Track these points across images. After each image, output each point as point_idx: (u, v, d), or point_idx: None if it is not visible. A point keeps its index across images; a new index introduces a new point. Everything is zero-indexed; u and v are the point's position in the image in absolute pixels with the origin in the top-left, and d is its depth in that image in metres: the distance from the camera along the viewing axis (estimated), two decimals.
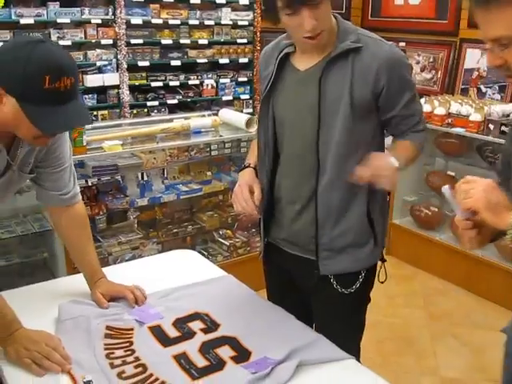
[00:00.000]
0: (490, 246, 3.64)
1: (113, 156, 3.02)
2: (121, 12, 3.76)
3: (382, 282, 1.86)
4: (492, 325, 3.30)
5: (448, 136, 3.80)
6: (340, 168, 1.63)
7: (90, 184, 3.14)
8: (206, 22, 4.20)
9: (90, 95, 3.84)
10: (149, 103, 4.12)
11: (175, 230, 3.40)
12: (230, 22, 4.30)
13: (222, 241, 3.50)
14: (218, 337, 1.59)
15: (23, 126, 1.37)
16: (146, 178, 3.32)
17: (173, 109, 4.28)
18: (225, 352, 1.52)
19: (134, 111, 4.05)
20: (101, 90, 3.89)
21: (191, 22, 4.12)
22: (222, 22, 4.27)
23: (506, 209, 1.17)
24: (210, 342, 1.57)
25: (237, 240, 3.52)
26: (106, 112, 3.91)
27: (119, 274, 1.92)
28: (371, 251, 1.76)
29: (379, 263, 1.85)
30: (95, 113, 3.85)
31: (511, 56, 1.08)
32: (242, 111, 4.41)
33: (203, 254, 3.44)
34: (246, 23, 4.39)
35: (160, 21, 3.97)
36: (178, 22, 4.06)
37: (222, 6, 4.24)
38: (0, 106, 1.35)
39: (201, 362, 1.48)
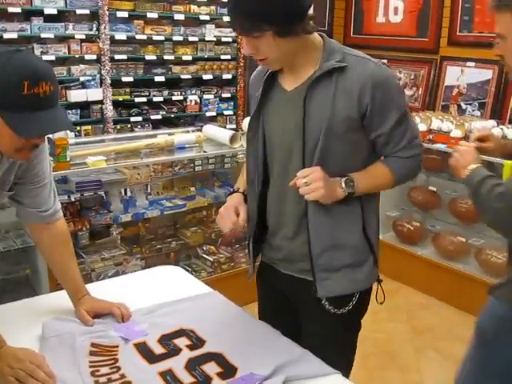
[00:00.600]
0: (472, 260, 3.70)
1: (96, 172, 3.01)
2: (105, 28, 3.77)
3: (381, 303, 1.83)
4: None
5: (429, 152, 3.85)
6: None
7: (73, 200, 3.13)
8: (190, 39, 4.22)
9: (74, 110, 3.84)
10: (132, 119, 4.12)
11: (159, 246, 3.40)
12: (214, 39, 4.34)
13: (206, 256, 3.50)
14: (204, 353, 1.58)
15: (4, 137, 1.37)
16: (129, 194, 3.31)
17: (156, 124, 4.28)
18: (211, 368, 1.51)
19: (118, 126, 4.05)
20: (84, 106, 3.89)
21: (175, 38, 4.14)
22: (206, 38, 4.30)
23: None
24: (196, 358, 1.56)
25: (221, 256, 3.52)
26: (89, 127, 3.91)
27: (102, 291, 1.90)
28: (370, 271, 1.71)
29: (375, 283, 1.78)
30: (78, 128, 3.84)
31: (502, 50, 1.51)
32: (225, 127, 4.42)
33: (187, 270, 3.41)
34: (230, 40, 4.43)
35: (144, 37, 3.99)
36: (162, 38, 4.08)
37: (206, 22, 4.27)
38: None
39: (187, 378, 1.47)
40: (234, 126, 4.54)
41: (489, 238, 3.59)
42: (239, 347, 1.61)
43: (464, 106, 4.41)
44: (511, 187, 1.49)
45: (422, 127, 3.77)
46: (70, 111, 3.81)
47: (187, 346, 1.62)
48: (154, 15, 3.97)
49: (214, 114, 4.52)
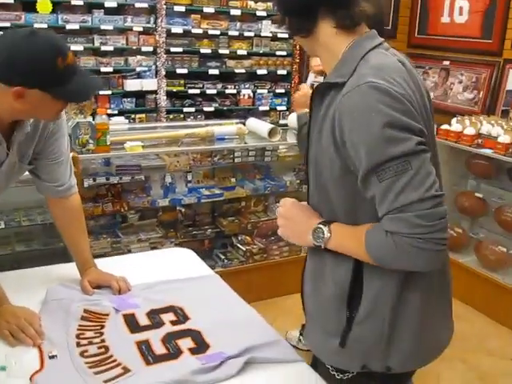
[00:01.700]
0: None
1: (138, 157, 3.18)
2: (162, 21, 3.93)
3: None
4: (506, 353, 3.23)
5: (477, 157, 3.75)
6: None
7: (115, 182, 3.31)
8: (246, 34, 4.32)
9: (129, 99, 4.04)
10: (185, 109, 4.27)
11: (194, 232, 3.52)
12: (270, 35, 4.40)
13: (240, 246, 3.59)
14: (184, 329, 1.67)
15: (49, 108, 1.55)
16: (170, 180, 3.45)
17: (209, 116, 4.41)
18: (185, 343, 1.60)
19: (171, 116, 4.21)
20: (139, 95, 4.08)
21: (231, 32, 4.25)
22: (262, 33, 4.38)
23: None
24: (175, 333, 1.65)
25: (254, 246, 3.59)
26: (143, 115, 4.10)
27: (114, 265, 2.04)
28: (335, 351, 1.34)
29: None
30: (133, 116, 4.04)
31: None
32: (277, 122, 4.50)
33: (220, 257, 3.56)
34: (286, 36, 4.48)
35: (200, 31, 4.13)
36: (217, 32, 4.20)
37: (262, 18, 4.35)
38: (23, 101, 1.48)
39: (160, 349, 1.56)
40: (286, 122, 4.58)
41: None
42: (219, 327, 1.69)
43: None
44: None
45: (471, 131, 3.67)
46: (125, 99, 4.01)
47: (171, 322, 1.72)
48: (211, 10, 4.10)
49: (266, 108, 4.60)
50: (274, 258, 3.65)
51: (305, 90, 2.32)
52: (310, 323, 1.46)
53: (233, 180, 3.62)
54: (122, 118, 3.79)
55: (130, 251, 3.27)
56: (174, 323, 1.71)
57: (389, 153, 1.12)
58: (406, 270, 1.22)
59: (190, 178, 3.51)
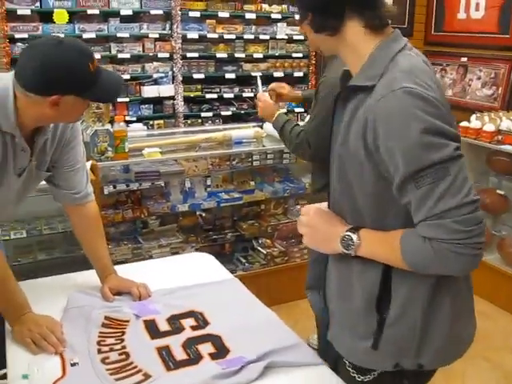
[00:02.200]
0: None
1: (157, 163, 3.20)
2: (177, 27, 3.96)
3: None
4: None
5: (498, 154, 3.69)
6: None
7: (134, 188, 3.34)
8: (261, 37, 4.32)
9: (147, 105, 4.07)
10: (203, 114, 4.29)
11: (215, 237, 3.52)
12: (285, 37, 4.41)
13: (260, 249, 3.59)
14: (204, 334, 1.68)
15: (79, 111, 1.63)
16: (189, 185, 3.47)
17: (227, 120, 4.42)
18: (205, 348, 1.61)
19: (189, 121, 4.23)
20: (157, 101, 4.11)
21: (246, 36, 4.26)
22: (278, 36, 4.38)
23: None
24: (195, 338, 1.66)
25: (275, 249, 3.59)
26: (161, 121, 4.12)
27: (134, 271, 2.05)
28: (367, 352, 1.34)
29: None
30: (151, 122, 4.07)
31: None
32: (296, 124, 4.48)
33: (241, 261, 3.56)
34: (302, 37, 4.47)
35: (216, 35, 4.14)
36: (233, 36, 4.21)
37: (277, 21, 4.35)
38: (57, 108, 1.54)
39: (180, 355, 1.57)
40: (304, 123, 4.58)
41: None
42: (239, 332, 1.69)
43: None
44: (306, 129, 2.29)
45: (490, 127, 3.62)
46: (143, 106, 4.04)
47: (191, 327, 1.72)
48: (226, 14, 4.12)
49: (284, 111, 4.58)
50: (295, 261, 3.64)
51: (265, 98, 2.62)
52: (336, 326, 1.45)
53: (252, 183, 3.61)
54: (140, 125, 3.82)
55: (151, 257, 3.28)
56: (194, 328, 1.72)
57: (427, 159, 1.12)
58: (441, 275, 1.23)
59: (208, 182, 3.51)
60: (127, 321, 1.75)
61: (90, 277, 2.02)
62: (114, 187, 3.04)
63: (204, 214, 3.58)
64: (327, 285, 1.47)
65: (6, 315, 1.69)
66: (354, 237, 1.27)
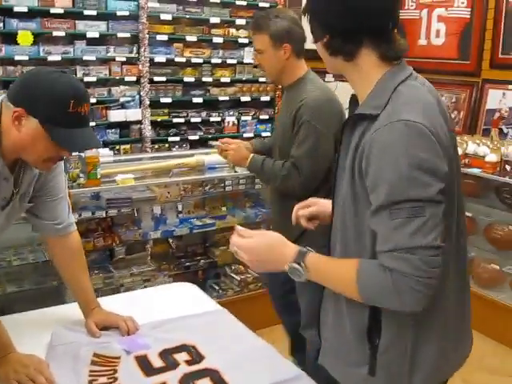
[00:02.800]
0: (507, 289, 3.59)
1: (128, 189, 3.11)
2: (145, 50, 3.89)
3: None
4: (508, 370, 3.22)
5: (465, 177, 3.77)
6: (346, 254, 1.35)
7: (104, 216, 3.23)
8: (229, 61, 4.30)
9: (113, 130, 3.97)
10: (170, 138, 4.21)
11: (187, 264, 3.45)
12: (252, 61, 4.40)
13: (234, 276, 3.53)
14: (201, 369, 1.62)
15: (39, 147, 1.49)
16: (160, 212, 3.39)
17: (194, 145, 4.36)
18: None
19: (156, 146, 4.15)
20: (124, 125, 4.01)
21: (214, 60, 4.23)
22: (245, 60, 4.37)
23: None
24: (192, 373, 1.59)
25: (248, 275, 3.54)
26: (128, 146, 4.02)
27: (116, 304, 1.97)
28: (365, 379, 1.35)
29: None
30: (117, 147, 3.97)
31: None
32: None
33: (214, 288, 3.49)
34: None
35: (183, 59, 4.10)
36: (200, 60, 4.17)
37: (244, 45, 4.35)
38: (18, 127, 1.46)
39: None
40: None
41: None
42: (236, 364, 1.64)
43: (506, 130, 4.30)
44: (296, 155, 2.28)
45: (458, 151, 3.69)
46: (109, 130, 3.94)
47: (186, 362, 1.66)
48: (193, 38, 4.08)
49: (251, 135, 4.57)
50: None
51: (235, 141, 2.72)
52: (331, 352, 1.46)
53: (223, 209, 3.57)
54: (106, 150, 3.71)
55: (122, 285, 3.19)
56: (189, 363, 1.65)
57: (408, 194, 1.15)
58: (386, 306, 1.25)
59: (180, 208, 3.44)
60: (118, 357, 1.67)
61: (71, 310, 1.93)
62: (93, 213, 2.93)
63: (175, 241, 3.50)
64: (322, 318, 1.49)
65: None
66: (300, 268, 1.31)
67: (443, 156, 1.19)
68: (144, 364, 1.64)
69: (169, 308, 2.01)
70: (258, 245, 1.38)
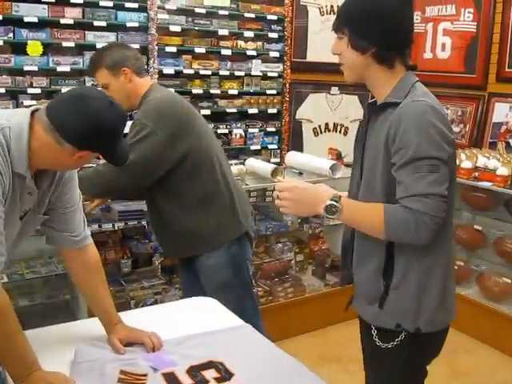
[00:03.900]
0: None
1: (139, 201, 3.08)
2: (154, 62, 3.88)
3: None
4: None
5: (475, 190, 3.77)
6: None
7: (116, 228, 3.20)
8: (237, 73, 4.29)
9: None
10: None
11: None
12: (260, 74, 4.39)
13: None
14: None
15: (89, 162, 1.68)
16: None
17: None
18: None
19: None
20: None
21: (222, 72, 4.21)
22: (252, 73, 4.35)
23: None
24: None
25: (259, 289, 3.50)
26: None
27: (137, 319, 1.93)
28: (377, 312, 1.73)
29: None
30: None
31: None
32: (269, 161, 4.45)
33: None
34: (276, 75, 4.48)
35: (191, 71, 4.08)
36: (209, 72, 4.16)
37: (252, 57, 4.34)
38: (79, 160, 1.55)
39: None
40: (277, 160, 4.55)
41: None
42: (266, 381, 1.61)
43: None
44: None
45: (468, 164, 3.70)
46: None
47: (215, 379, 1.63)
48: (202, 50, 4.07)
49: (258, 147, 4.55)
50: (279, 300, 3.57)
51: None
52: (357, 293, 1.82)
53: None
54: None
55: (133, 299, 3.15)
56: (218, 380, 1.62)
57: (430, 153, 1.51)
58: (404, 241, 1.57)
59: None
60: (145, 374, 1.64)
61: (90, 326, 1.89)
62: (99, 226, 2.89)
63: None
64: (354, 260, 1.80)
65: (12, 373, 1.53)
66: (338, 205, 1.58)
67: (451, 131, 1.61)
68: (172, 381, 1.60)
69: (190, 323, 1.98)
70: (299, 184, 1.68)
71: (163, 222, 2.48)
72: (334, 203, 1.58)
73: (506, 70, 4.30)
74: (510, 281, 3.61)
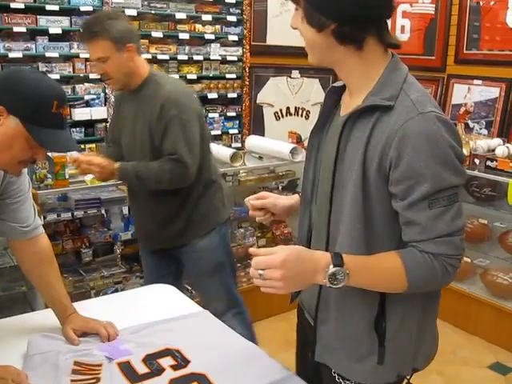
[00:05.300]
0: (478, 281, 3.63)
1: (97, 190, 3.02)
2: None
3: None
4: (480, 361, 3.26)
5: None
6: (351, 248, 1.30)
7: (73, 217, 3.14)
8: (195, 57, 4.23)
9: (78, 128, 3.85)
10: None
11: None
12: (219, 58, 4.35)
13: None
14: (187, 374, 1.56)
15: (15, 148, 1.44)
16: (129, 212, 3.30)
17: None
18: None
19: None
20: (88, 124, 3.90)
21: (180, 57, 4.15)
22: (211, 57, 4.31)
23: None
24: (179, 378, 1.54)
25: None
26: (93, 145, 3.91)
27: (94, 308, 1.89)
28: (373, 368, 1.38)
29: None
30: (83, 146, 3.85)
31: None
32: (230, 146, 4.43)
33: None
34: (235, 58, 4.43)
35: (149, 56, 4.00)
36: (166, 57, 4.10)
37: (211, 41, 4.29)
38: None
39: None
40: (239, 145, 4.52)
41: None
42: (224, 368, 1.59)
43: (471, 125, 4.37)
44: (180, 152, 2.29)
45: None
46: (74, 129, 3.82)
47: (171, 366, 1.60)
48: (159, 34, 3.99)
49: (219, 132, 4.52)
50: (242, 285, 3.55)
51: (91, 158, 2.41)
52: (330, 350, 1.44)
53: None
54: None
55: (93, 289, 3.09)
56: (174, 368, 1.59)
57: (450, 182, 1.21)
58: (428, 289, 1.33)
59: None
60: (99, 365, 1.60)
61: (46, 317, 1.84)
62: (58, 216, 2.82)
63: None
64: (320, 308, 1.45)
65: None
66: (343, 270, 1.22)
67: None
68: (128, 371, 1.57)
69: (148, 311, 1.94)
70: (286, 257, 1.20)
71: (187, 207, 2.51)
72: (338, 269, 1.22)
73: (465, 51, 4.35)
74: (470, 260, 3.65)
